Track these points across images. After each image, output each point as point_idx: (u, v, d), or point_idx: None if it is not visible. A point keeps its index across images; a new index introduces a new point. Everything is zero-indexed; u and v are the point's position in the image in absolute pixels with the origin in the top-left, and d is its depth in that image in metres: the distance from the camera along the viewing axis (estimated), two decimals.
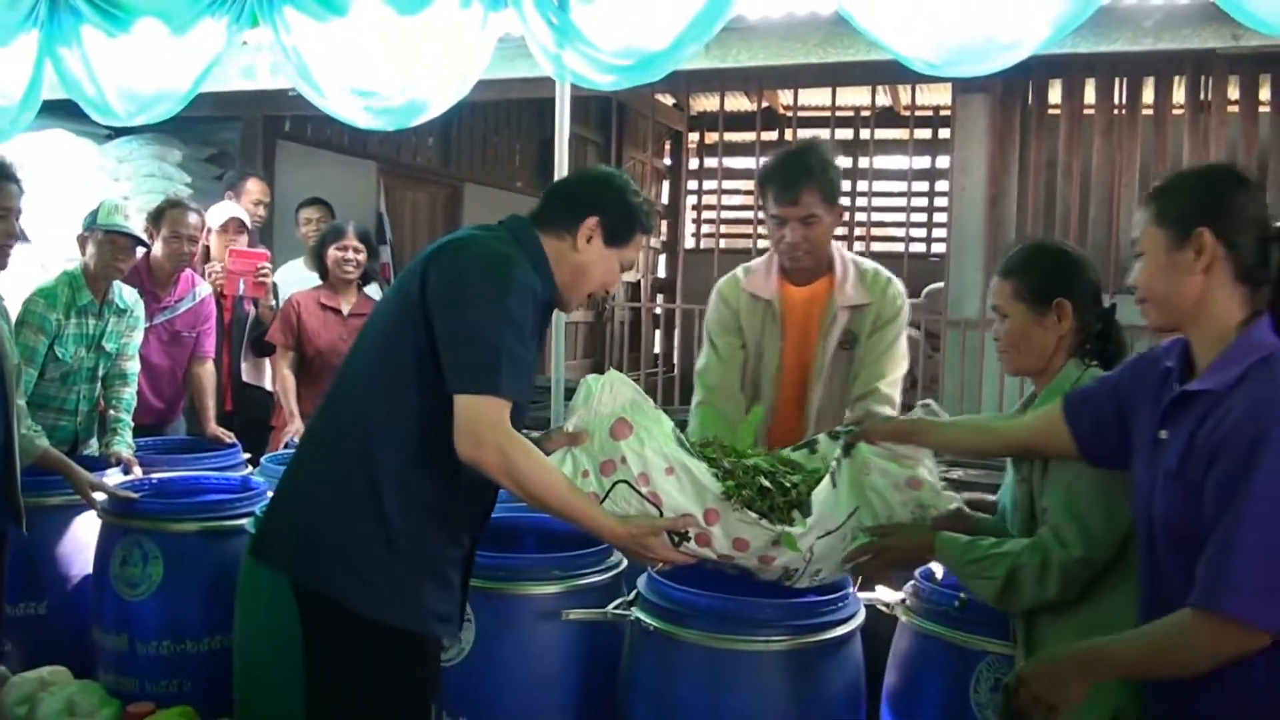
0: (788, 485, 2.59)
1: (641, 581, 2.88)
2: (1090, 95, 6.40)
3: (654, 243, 11.79)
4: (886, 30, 3.55)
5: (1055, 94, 6.57)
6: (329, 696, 2.49)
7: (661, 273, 12.23)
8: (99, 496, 3.79)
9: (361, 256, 5.03)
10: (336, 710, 2.48)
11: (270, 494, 3.69)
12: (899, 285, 3.45)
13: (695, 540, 2.46)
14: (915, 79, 6.06)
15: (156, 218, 4.84)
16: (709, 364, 3.45)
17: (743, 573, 2.58)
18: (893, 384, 3.35)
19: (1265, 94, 5.92)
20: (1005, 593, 2.35)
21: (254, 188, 5.94)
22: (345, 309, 5.01)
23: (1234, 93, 6.13)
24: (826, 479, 2.55)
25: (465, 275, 2.37)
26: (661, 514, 2.44)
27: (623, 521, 2.43)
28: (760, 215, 7.54)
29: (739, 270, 3.53)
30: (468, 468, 2.33)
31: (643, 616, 2.77)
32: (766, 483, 2.56)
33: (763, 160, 7.50)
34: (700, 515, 2.44)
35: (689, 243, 12.28)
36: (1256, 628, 1.77)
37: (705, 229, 12.24)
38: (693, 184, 12.28)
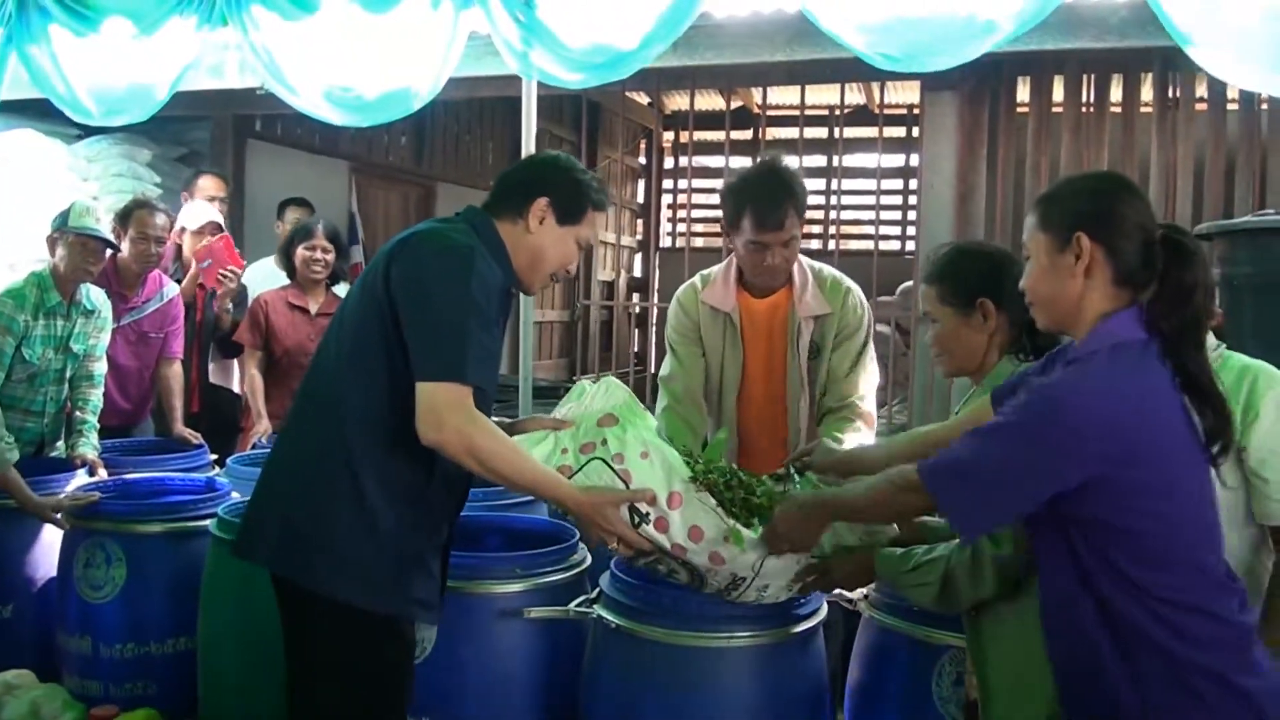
0: (756, 489, 2.65)
1: (604, 579, 2.88)
2: (1058, 93, 6.42)
3: (629, 241, 11.79)
4: (847, 28, 3.55)
5: (1023, 92, 6.59)
6: (314, 687, 2.52)
7: (637, 272, 12.23)
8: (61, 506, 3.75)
9: (330, 256, 5.02)
10: (322, 700, 2.51)
11: (235, 494, 3.70)
12: (859, 294, 3.44)
13: (654, 525, 2.47)
14: (884, 76, 6.07)
15: (124, 218, 4.81)
16: (672, 371, 3.45)
17: (691, 576, 2.59)
18: (865, 398, 3.36)
19: (1233, 91, 5.95)
20: (944, 595, 2.40)
21: (207, 184, 5.91)
22: (313, 308, 4.99)
23: (1201, 90, 6.15)
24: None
25: (427, 266, 2.42)
26: (629, 490, 2.48)
27: (584, 491, 2.46)
28: None
29: (696, 280, 3.52)
30: (443, 455, 2.40)
31: (605, 614, 2.77)
32: (741, 477, 2.65)
33: (732, 165, 7.55)
34: (664, 497, 2.47)
35: (664, 241, 12.27)
36: (939, 506, 2.04)
37: (680, 228, 12.24)
38: (668, 183, 12.28)
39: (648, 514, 2.48)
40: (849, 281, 3.45)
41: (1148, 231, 2.00)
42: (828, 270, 3.47)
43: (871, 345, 3.44)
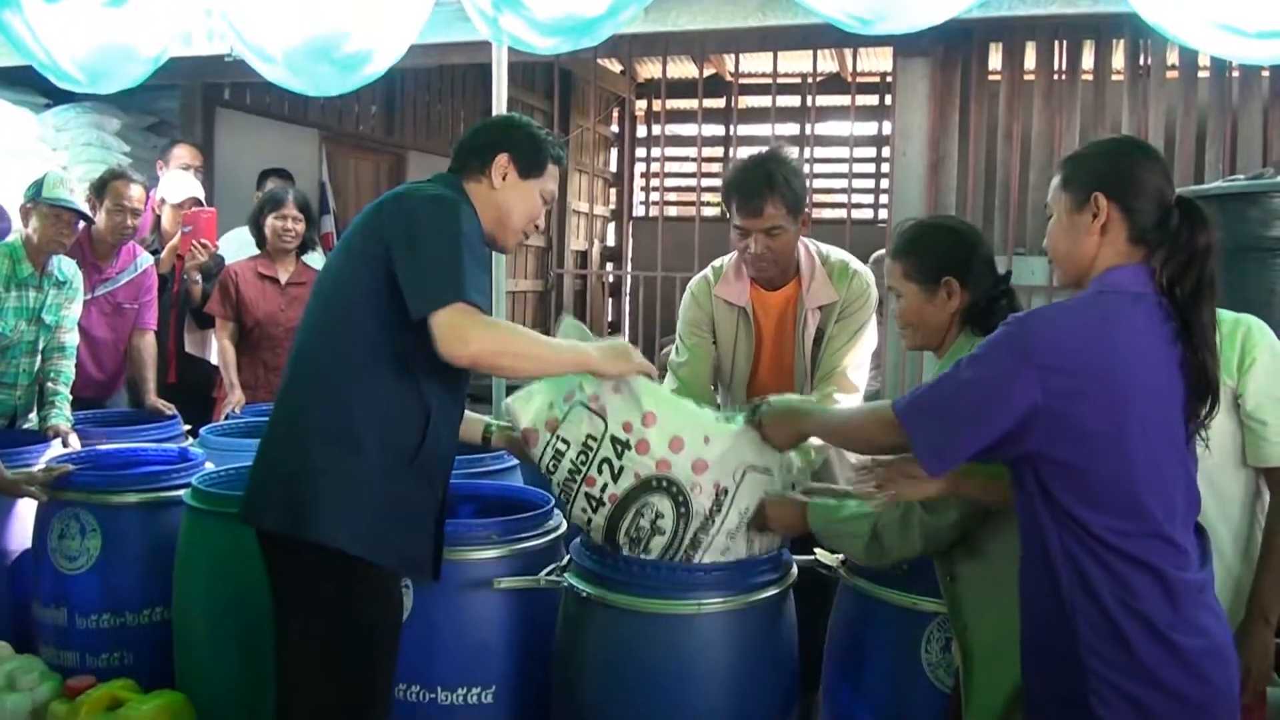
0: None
1: (574, 547, 2.89)
2: (1030, 59, 6.43)
3: (602, 211, 11.77)
4: None
5: (996, 59, 6.59)
6: (303, 647, 2.54)
7: (610, 241, 12.22)
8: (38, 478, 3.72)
9: (300, 226, 5.00)
10: (310, 663, 2.53)
11: (208, 465, 3.69)
12: (867, 276, 3.42)
13: (636, 449, 2.64)
14: (856, 42, 6.07)
15: (100, 189, 4.78)
16: (682, 359, 3.51)
17: (676, 513, 2.65)
18: (854, 368, 3.35)
19: (1204, 58, 5.97)
20: (871, 549, 2.49)
21: (182, 153, 5.91)
22: (284, 278, 4.98)
23: (1173, 57, 6.17)
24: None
25: (416, 212, 2.50)
26: (606, 423, 2.68)
27: (600, 349, 2.67)
28: (705, 183, 7.55)
29: (708, 272, 3.54)
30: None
31: (575, 582, 2.77)
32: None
33: (705, 133, 7.54)
34: (639, 419, 2.66)
35: (638, 210, 12.25)
36: (910, 441, 2.11)
37: (654, 196, 12.22)
38: (641, 151, 12.24)
39: (628, 440, 2.65)
40: (857, 264, 3.44)
41: (1164, 195, 2.09)
42: (836, 255, 3.46)
43: (872, 325, 3.42)
